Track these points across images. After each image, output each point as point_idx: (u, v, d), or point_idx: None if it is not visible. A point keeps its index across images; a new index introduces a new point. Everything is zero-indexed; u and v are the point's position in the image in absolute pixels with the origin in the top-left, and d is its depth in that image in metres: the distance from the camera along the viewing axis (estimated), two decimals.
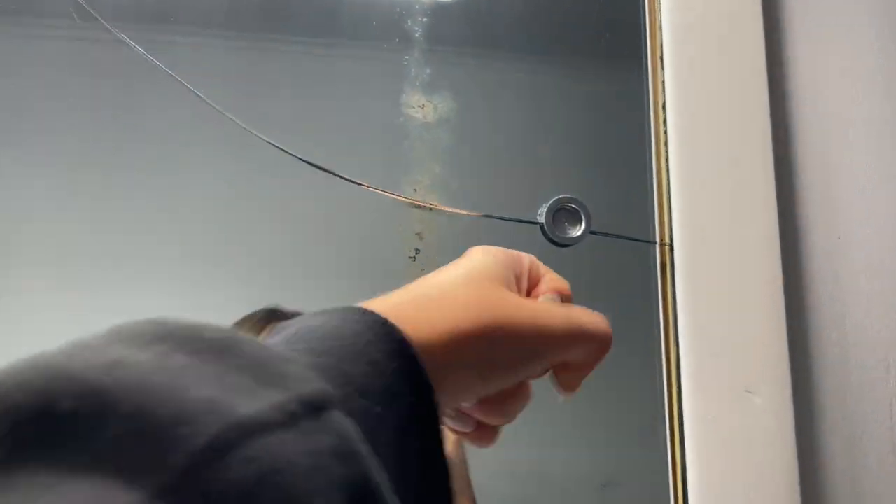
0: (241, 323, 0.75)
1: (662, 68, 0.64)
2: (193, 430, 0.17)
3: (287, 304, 0.65)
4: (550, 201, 0.60)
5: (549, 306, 0.33)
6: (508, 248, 0.63)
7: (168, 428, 0.17)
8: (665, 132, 0.63)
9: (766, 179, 0.62)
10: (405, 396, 0.25)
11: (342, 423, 0.20)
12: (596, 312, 0.33)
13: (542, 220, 0.60)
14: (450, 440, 0.62)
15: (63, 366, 0.17)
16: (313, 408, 0.20)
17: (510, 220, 0.60)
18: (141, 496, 0.16)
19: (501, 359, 0.31)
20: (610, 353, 0.61)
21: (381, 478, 0.21)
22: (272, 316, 0.72)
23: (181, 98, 0.59)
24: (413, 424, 0.25)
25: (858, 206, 0.64)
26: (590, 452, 0.59)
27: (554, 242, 0.60)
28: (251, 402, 0.18)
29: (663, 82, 0.64)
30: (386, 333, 0.25)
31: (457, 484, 0.60)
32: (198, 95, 0.58)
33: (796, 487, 0.57)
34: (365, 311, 0.26)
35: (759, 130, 0.63)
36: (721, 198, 0.61)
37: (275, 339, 0.26)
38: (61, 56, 0.61)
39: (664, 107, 0.63)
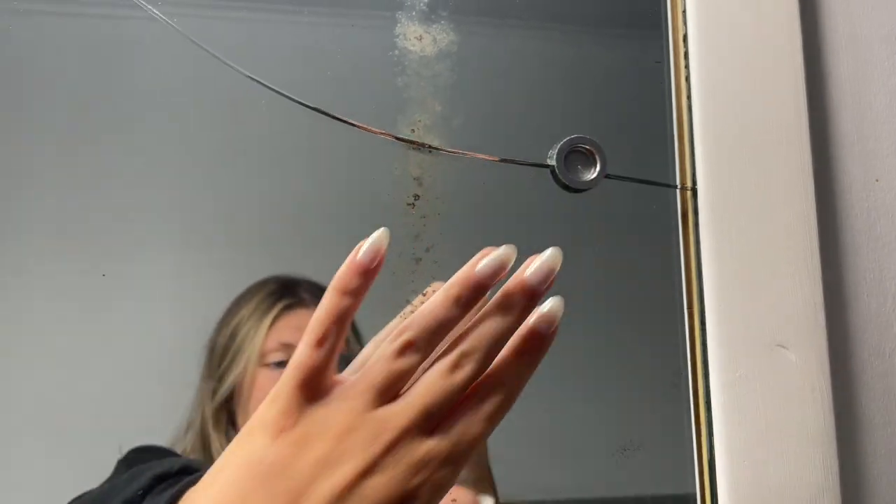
0: (250, 294, 0.70)
1: (685, 1, 0.58)
2: None
3: (279, 252, 0.60)
4: (562, 142, 0.54)
5: None
6: (516, 193, 0.56)
7: None
8: (686, 66, 0.58)
9: (798, 116, 0.56)
10: None
11: None
12: None
13: (552, 162, 0.54)
14: None
15: None
16: None
17: (518, 163, 0.55)
18: None
19: None
20: (627, 307, 0.56)
21: None
22: (286, 288, 0.67)
23: (172, 42, 0.54)
24: None
25: None
26: (607, 414, 0.54)
27: (566, 187, 0.55)
28: None
29: (684, 12, 0.58)
30: None
31: (479, 469, 0.56)
32: (186, 36, 0.52)
33: (834, 450, 0.52)
34: None
35: (791, 63, 0.57)
36: (749, 137, 0.56)
37: None
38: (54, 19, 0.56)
39: (685, 38, 0.58)
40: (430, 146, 0.54)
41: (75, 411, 0.52)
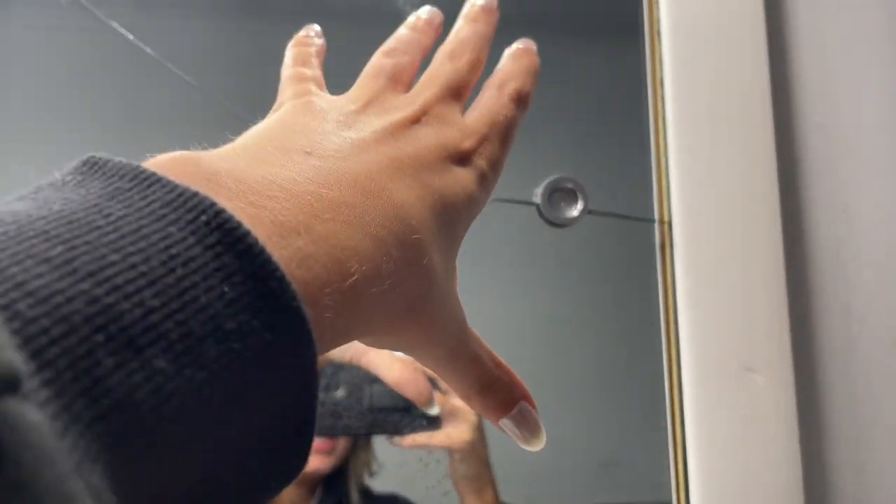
0: None
1: (660, 42, 0.63)
2: None
3: None
4: (546, 181, 0.59)
5: None
6: (504, 230, 0.62)
7: None
8: (663, 108, 0.62)
9: (766, 152, 0.61)
10: (253, 332, 0.18)
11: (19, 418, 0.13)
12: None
13: (537, 200, 0.59)
14: (470, 422, 0.62)
15: None
16: None
17: (504, 200, 0.60)
18: None
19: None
20: (609, 332, 0.61)
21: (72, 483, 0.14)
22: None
23: (166, 80, 0.59)
24: (272, 367, 0.18)
25: (865, 176, 0.62)
26: (588, 432, 0.59)
27: (550, 223, 0.59)
28: None
29: (661, 57, 0.62)
30: (224, 242, 0.18)
31: (479, 466, 0.60)
32: (186, 80, 0.58)
33: (799, 468, 0.56)
34: (190, 203, 0.18)
35: (760, 103, 0.61)
36: (721, 173, 0.60)
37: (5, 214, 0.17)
38: (48, 42, 0.62)
39: (662, 82, 0.62)
40: None
41: None
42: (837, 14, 0.64)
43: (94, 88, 0.64)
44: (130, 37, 0.59)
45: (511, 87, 0.32)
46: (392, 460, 0.68)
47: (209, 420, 0.17)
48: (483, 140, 0.30)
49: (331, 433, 0.62)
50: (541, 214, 0.59)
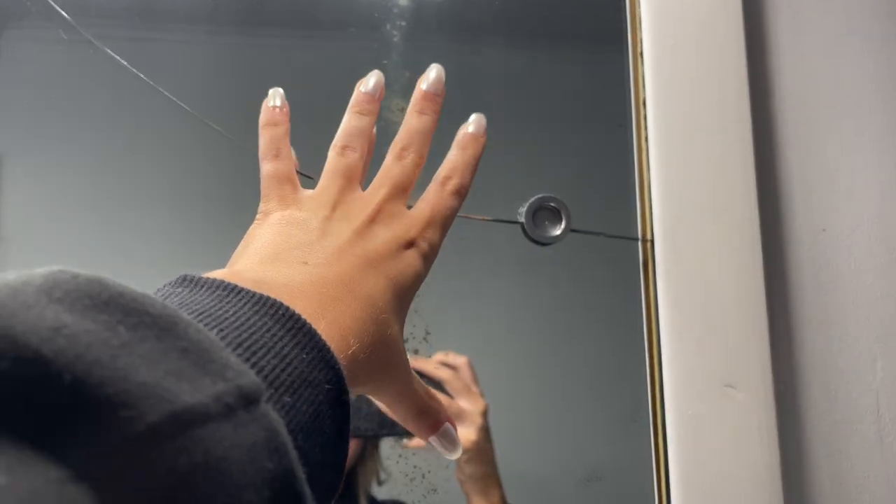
0: None
1: (643, 63, 0.64)
2: (133, 415, 0.16)
3: None
4: (530, 200, 0.60)
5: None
6: (490, 248, 0.63)
7: (107, 408, 0.16)
8: (646, 128, 0.63)
9: (746, 172, 0.62)
10: (320, 384, 0.26)
11: (272, 417, 0.20)
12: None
13: (521, 219, 0.60)
14: (477, 424, 0.63)
15: (4, 323, 0.16)
16: (248, 400, 0.20)
17: (489, 220, 0.61)
18: (66, 473, 0.15)
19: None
20: (592, 349, 0.62)
21: (300, 471, 0.21)
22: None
23: (152, 97, 0.60)
24: (328, 408, 0.26)
25: (843, 199, 0.64)
26: (572, 447, 0.60)
27: (535, 241, 0.61)
28: (192, 391, 0.18)
29: (643, 77, 0.64)
30: (295, 328, 0.26)
31: (485, 467, 0.61)
32: (173, 99, 0.59)
33: (779, 482, 0.57)
34: (268, 303, 0.27)
35: (740, 124, 0.63)
36: (702, 191, 0.62)
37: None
38: (38, 61, 0.63)
39: (644, 103, 0.64)
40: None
41: None
42: (819, 31, 0.66)
43: (85, 111, 0.65)
44: (125, 63, 0.60)
45: (452, 184, 0.42)
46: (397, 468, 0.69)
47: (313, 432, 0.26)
48: (425, 228, 0.39)
49: None
50: (525, 233, 0.60)
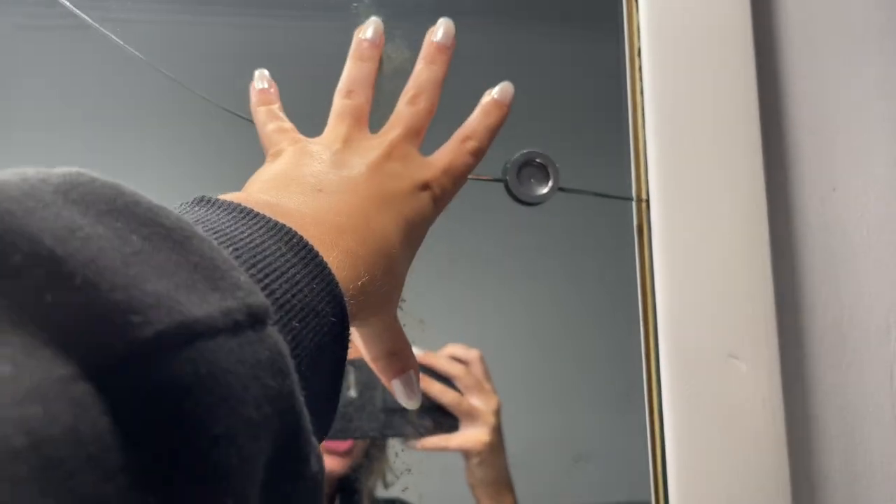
0: None
1: (637, 10, 0.59)
2: (142, 321, 0.17)
3: None
4: (514, 156, 0.55)
5: None
6: (470, 207, 0.59)
7: (117, 313, 0.16)
8: (641, 79, 0.58)
9: (750, 127, 0.57)
10: (326, 315, 0.26)
11: (277, 339, 0.21)
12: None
13: (505, 176, 0.55)
14: (489, 424, 0.59)
15: (19, 220, 0.16)
16: (256, 319, 0.20)
17: (471, 178, 0.56)
18: (72, 371, 0.15)
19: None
20: (582, 319, 0.57)
21: (300, 395, 0.21)
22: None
23: (122, 60, 0.55)
24: (330, 340, 0.26)
25: (855, 154, 0.59)
26: (561, 426, 0.55)
27: (519, 201, 0.55)
28: (201, 304, 0.18)
29: (638, 25, 0.59)
30: (308, 257, 0.27)
31: (497, 470, 0.57)
32: (169, 76, 0.54)
33: (785, 460, 0.52)
34: (283, 229, 0.27)
35: (743, 74, 0.58)
36: (703, 148, 0.56)
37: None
38: (24, 41, 0.58)
39: (640, 52, 0.58)
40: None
41: None
42: None
43: (78, 86, 0.61)
44: (113, 36, 0.55)
45: (470, 144, 0.43)
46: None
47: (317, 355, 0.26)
48: (440, 174, 0.40)
49: (343, 435, 0.59)
50: (509, 191, 0.55)
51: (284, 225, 0.27)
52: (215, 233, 0.24)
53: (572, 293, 0.58)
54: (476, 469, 0.59)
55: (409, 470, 0.55)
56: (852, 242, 0.58)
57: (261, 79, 0.45)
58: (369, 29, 0.46)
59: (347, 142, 0.39)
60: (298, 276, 0.25)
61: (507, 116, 0.46)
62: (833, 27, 0.60)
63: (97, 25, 0.54)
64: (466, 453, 0.58)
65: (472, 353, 0.60)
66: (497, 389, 0.56)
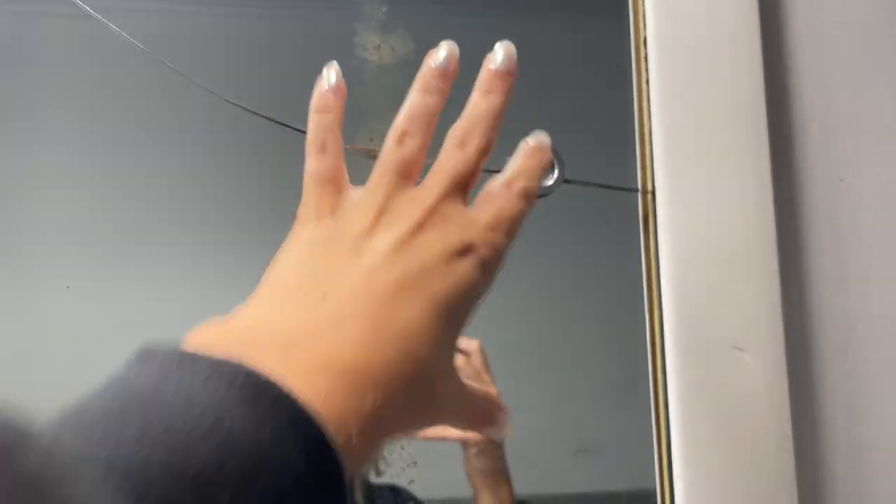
0: None
1: (643, 6, 0.58)
2: None
3: (251, 260, 0.62)
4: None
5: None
6: (473, 199, 0.58)
7: None
8: (647, 69, 0.58)
9: (757, 118, 0.56)
10: (290, 463, 0.22)
11: None
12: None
13: None
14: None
15: None
16: None
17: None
18: None
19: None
20: (588, 310, 0.56)
21: None
22: None
23: (135, 58, 0.55)
24: (301, 490, 0.22)
25: (862, 144, 0.58)
26: (565, 417, 0.55)
27: None
28: None
29: (644, 14, 0.58)
30: (257, 397, 0.23)
31: (494, 461, 0.58)
32: (172, 68, 0.54)
33: (790, 453, 0.52)
34: (225, 370, 0.23)
35: (750, 64, 0.57)
36: (709, 138, 0.56)
37: (89, 404, 0.22)
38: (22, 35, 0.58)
39: (645, 41, 0.58)
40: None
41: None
42: None
43: (82, 78, 0.61)
44: (114, 27, 0.55)
45: (519, 186, 0.37)
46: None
47: None
48: (487, 230, 0.34)
49: None
50: None
51: (229, 363, 0.23)
52: (132, 401, 0.22)
53: (578, 284, 0.58)
54: (474, 459, 0.60)
55: (415, 463, 0.55)
56: (859, 233, 0.57)
57: (328, 75, 0.39)
58: (441, 53, 0.38)
59: (382, 213, 0.33)
60: (237, 425, 0.21)
61: (548, 160, 0.41)
62: (841, 17, 0.60)
63: (99, 17, 0.54)
64: (464, 443, 0.59)
65: (471, 344, 0.60)
66: (503, 379, 0.56)
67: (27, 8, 0.60)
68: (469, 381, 0.35)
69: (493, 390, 0.58)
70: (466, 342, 0.61)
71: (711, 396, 0.53)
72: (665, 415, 0.53)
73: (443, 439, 0.58)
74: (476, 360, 0.59)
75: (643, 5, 0.58)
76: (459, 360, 0.59)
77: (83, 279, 0.58)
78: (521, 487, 0.54)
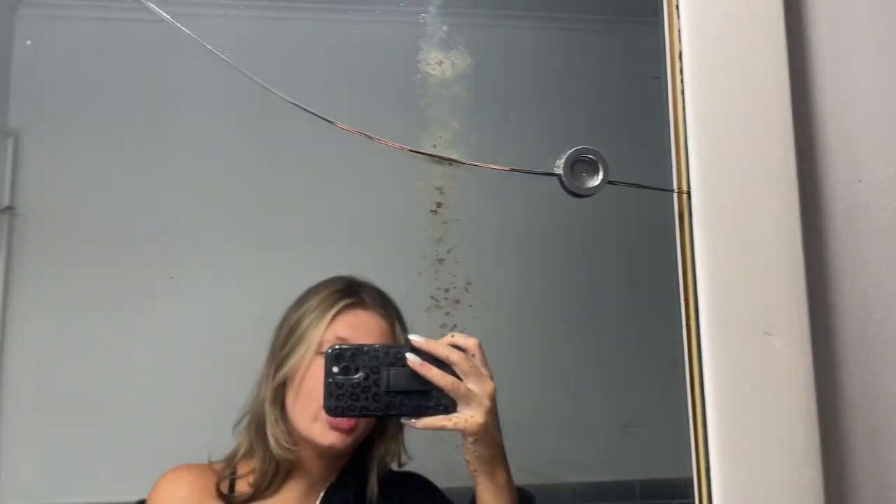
0: (319, 288, 0.78)
1: (679, 17, 0.64)
2: None
3: (323, 254, 0.67)
4: (568, 153, 0.61)
5: None
6: (529, 200, 0.64)
7: None
8: (682, 81, 0.63)
9: (784, 122, 0.62)
10: None
11: None
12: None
13: (560, 171, 0.61)
14: (484, 406, 0.66)
15: None
16: None
17: (529, 172, 0.61)
18: None
19: None
20: (630, 299, 0.63)
21: None
22: (351, 288, 0.75)
23: (206, 65, 0.61)
24: None
25: (878, 147, 0.64)
26: (613, 395, 0.61)
27: (572, 193, 0.61)
28: None
29: (679, 30, 0.64)
30: None
31: (492, 448, 0.63)
32: (226, 61, 0.60)
33: (816, 430, 0.58)
34: None
35: (778, 73, 0.63)
36: (739, 142, 0.62)
37: None
38: (53, 38, 0.64)
39: (681, 55, 0.64)
40: (450, 160, 0.61)
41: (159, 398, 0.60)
42: None
43: (102, 86, 0.66)
44: (171, 19, 0.61)
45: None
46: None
47: None
48: None
49: (349, 413, 0.64)
50: (563, 185, 0.61)
51: None
52: None
53: (621, 276, 0.63)
54: (472, 447, 0.64)
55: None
56: (877, 226, 0.63)
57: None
58: None
59: None
60: None
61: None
62: (861, 25, 0.65)
63: (170, 18, 0.60)
64: (463, 432, 0.63)
65: (470, 342, 0.65)
66: (549, 361, 0.62)
67: (48, 11, 0.66)
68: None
69: (490, 384, 0.63)
70: (465, 339, 0.66)
71: (742, 375, 0.59)
72: (700, 392, 0.59)
73: (441, 428, 0.63)
74: (476, 355, 0.64)
75: (678, 22, 0.64)
76: (458, 355, 0.63)
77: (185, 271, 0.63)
78: (568, 464, 0.59)
